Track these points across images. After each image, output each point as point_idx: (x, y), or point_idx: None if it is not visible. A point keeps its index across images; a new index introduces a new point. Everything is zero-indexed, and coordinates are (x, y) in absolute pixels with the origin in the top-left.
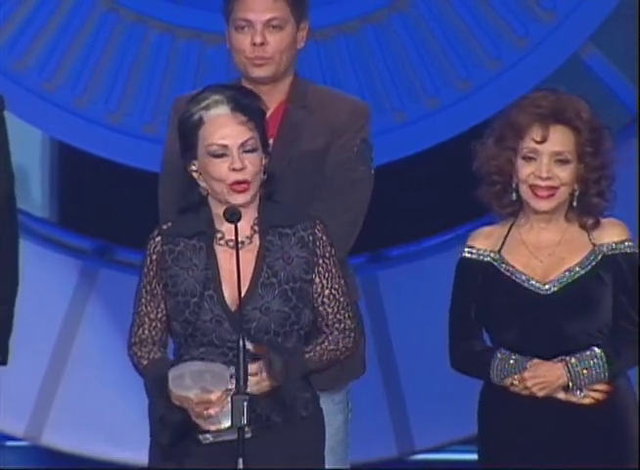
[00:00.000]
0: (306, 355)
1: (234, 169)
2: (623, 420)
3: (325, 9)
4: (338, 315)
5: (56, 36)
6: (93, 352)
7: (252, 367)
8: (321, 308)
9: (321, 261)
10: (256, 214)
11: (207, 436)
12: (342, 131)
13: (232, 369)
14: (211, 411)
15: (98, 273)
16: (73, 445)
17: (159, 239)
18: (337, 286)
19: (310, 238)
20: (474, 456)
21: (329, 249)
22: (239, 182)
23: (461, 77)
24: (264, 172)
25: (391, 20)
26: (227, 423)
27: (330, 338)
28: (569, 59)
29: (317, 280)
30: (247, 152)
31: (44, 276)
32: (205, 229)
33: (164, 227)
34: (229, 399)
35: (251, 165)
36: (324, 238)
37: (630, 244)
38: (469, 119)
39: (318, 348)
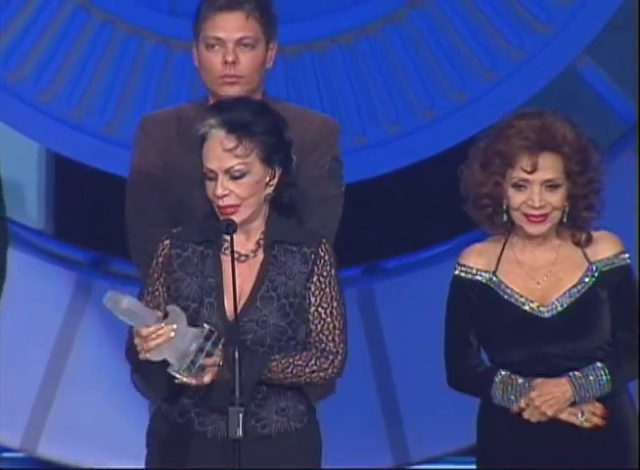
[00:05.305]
0: (271, 363)
1: (216, 196)
2: (625, 438)
3: (320, 21)
4: (320, 335)
5: (51, 48)
6: (89, 363)
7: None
8: (309, 324)
9: (316, 279)
10: (264, 228)
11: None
12: (312, 148)
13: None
14: (152, 344)
15: (93, 285)
16: (69, 456)
17: (167, 242)
18: (326, 305)
19: (312, 256)
20: (469, 467)
21: (328, 268)
22: (224, 207)
23: (457, 89)
24: (276, 186)
25: (387, 31)
26: (173, 358)
27: (304, 354)
28: (564, 70)
29: (310, 296)
30: (234, 178)
31: (39, 288)
32: (214, 238)
33: (174, 231)
34: (171, 333)
35: (239, 190)
36: (326, 257)
37: (625, 256)
38: (465, 131)
39: (285, 360)
